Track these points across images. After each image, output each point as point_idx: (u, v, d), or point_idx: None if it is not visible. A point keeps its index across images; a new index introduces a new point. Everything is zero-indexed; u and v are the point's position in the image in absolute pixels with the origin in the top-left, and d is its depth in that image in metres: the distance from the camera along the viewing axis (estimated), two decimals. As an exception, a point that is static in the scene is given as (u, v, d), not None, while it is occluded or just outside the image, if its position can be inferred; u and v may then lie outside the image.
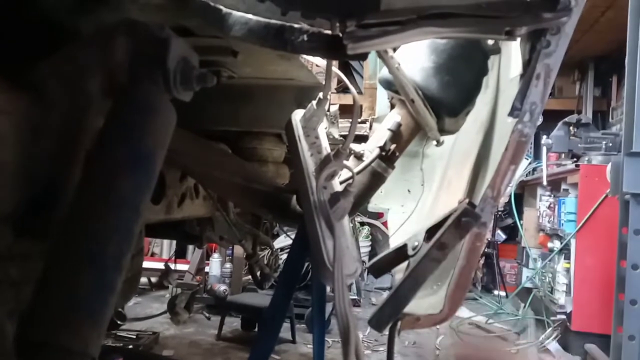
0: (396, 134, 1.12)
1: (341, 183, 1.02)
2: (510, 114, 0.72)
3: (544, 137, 4.40)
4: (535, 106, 0.70)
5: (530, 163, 5.24)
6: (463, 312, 4.56)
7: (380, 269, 0.92)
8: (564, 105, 6.02)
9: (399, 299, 0.80)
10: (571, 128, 4.39)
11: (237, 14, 0.73)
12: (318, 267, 0.88)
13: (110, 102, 0.64)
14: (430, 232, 0.80)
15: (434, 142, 1.23)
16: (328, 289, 1.03)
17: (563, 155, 4.49)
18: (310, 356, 3.76)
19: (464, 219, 0.74)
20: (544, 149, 4.39)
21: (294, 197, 1.15)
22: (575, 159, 4.18)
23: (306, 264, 1.14)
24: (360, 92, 4.37)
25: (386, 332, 0.90)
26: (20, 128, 0.59)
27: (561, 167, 4.27)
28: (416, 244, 0.82)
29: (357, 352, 0.71)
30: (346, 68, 4.61)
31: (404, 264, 0.89)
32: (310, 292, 3.97)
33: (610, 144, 3.90)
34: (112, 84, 0.66)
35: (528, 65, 0.72)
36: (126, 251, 0.55)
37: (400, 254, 0.86)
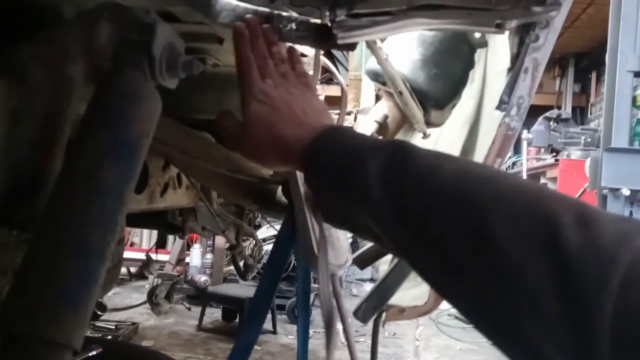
0: (382, 126, 1.12)
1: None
2: (498, 107, 0.72)
3: (525, 131, 4.47)
4: (522, 100, 0.71)
5: (510, 157, 5.31)
6: (443, 303, 4.62)
7: (365, 261, 0.92)
8: (544, 100, 6.12)
9: (384, 290, 0.80)
10: (551, 123, 4.47)
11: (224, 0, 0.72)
12: (307, 257, 0.88)
13: (93, 88, 0.62)
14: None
15: (420, 135, 1.24)
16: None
17: (543, 150, 4.57)
18: (290, 346, 3.77)
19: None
20: (524, 143, 4.46)
21: (280, 188, 1.14)
22: (554, 154, 4.26)
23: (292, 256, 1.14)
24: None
25: (370, 323, 0.91)
26: (-1, 113, 0.57)
27: (541, 161, 4.35)
28: (402, 235, 0.82)
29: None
30: (330, 59, 4.59)
31: (389, 256, 0.90)
32: (292, 283, 3.99)
33: (589, 140, 3.98)
34: (95, 69, 0.64)
35: (516, 59, 0.72)
36: (110, 241, 0.53)
37: (386, 245, 0.86)
